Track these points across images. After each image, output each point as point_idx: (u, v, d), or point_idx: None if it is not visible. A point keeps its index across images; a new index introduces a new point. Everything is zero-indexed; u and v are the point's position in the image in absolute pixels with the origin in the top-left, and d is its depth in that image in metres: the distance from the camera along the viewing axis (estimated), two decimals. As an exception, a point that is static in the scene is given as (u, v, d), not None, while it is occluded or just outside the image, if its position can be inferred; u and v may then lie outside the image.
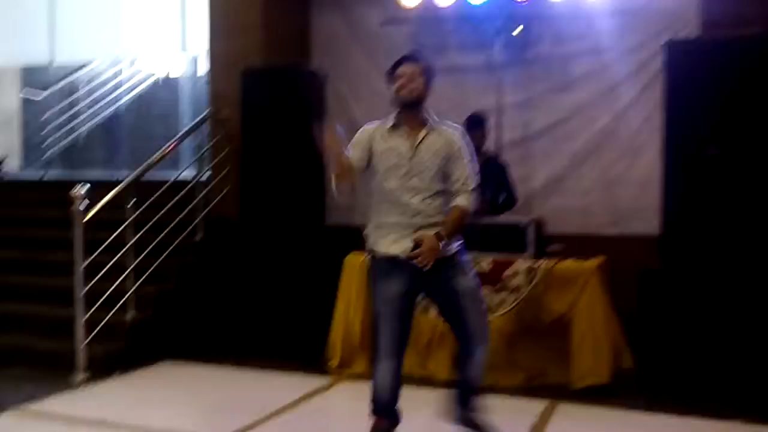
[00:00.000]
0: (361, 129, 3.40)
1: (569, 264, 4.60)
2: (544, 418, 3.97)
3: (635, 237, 5.51)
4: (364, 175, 3.36)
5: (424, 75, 3.31)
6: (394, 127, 3.31)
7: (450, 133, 3.33)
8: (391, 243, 3.27)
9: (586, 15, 5.68)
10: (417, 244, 3.16)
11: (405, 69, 3.30)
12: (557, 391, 4.41)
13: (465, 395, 3.39)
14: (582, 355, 4.43)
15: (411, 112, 3.29)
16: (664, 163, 4.69)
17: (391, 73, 3.33)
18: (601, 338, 4.42)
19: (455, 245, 3.31)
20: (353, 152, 3.30)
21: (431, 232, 3.18)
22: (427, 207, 3.24)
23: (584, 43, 5.79)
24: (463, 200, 3.27)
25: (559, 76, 5.89)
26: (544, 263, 4.59)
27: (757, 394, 4.11)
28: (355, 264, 4.94)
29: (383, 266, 3.33)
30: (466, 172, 3.30)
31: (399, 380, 3.35)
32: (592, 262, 4.59)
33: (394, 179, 3.25)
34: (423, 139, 3.26)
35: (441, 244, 3.16)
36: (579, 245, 4.96)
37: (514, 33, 5.73)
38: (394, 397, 3.36)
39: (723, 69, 4.37)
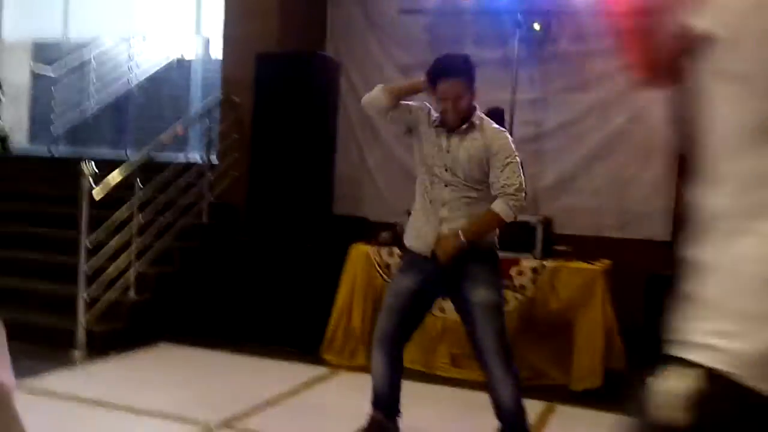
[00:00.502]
0: (418, 105, 3.27)
1: (576, 266, 4.55)
2: (542, 419, 3.93)
3: (644, 240, 5.45)
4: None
5: (470, 89, 3.10)
6: (439, 123, 3.17)
7: (492, 133, 3.13)
8: (415, 237, 3.23)
9: (606, 13, 5.60)
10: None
11: (448, 89, 3.06)
12: (556, 392, 4.37)
13: (502, 429, 3.18)
14: (582, 357, 4.39)
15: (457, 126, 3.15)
16: (678, 166, 4.61)
17: (432, 83, 3.11)
18: (603, 343, 4.38)
19: (483, 251, 3.14)
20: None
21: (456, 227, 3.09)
22: (454, 203, 3.11)
23: (603, 42, 5.71)
24: (499, 205, 3.05)
25: (575, 75, 5.82)
26: (550, 264, 4.55)
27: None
28: (359, 254, 4.90)
29: (406, 258, 3.33)
30: (505, 175, 3.06)
31: (391, 374, 3.28)
32: (599, 266, 4.54)
33: (428, 170, 3.16)
34: (462, 137, 3.11)
35: (458, 243, 3.05)
36: (587, 246, 4.92)
37: (535, 27, 5.65)
38: (388, 390, 3.30)
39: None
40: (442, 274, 3.14)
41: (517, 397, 3.13)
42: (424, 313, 3.45)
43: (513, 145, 3.18)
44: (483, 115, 3.21)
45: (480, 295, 3.09)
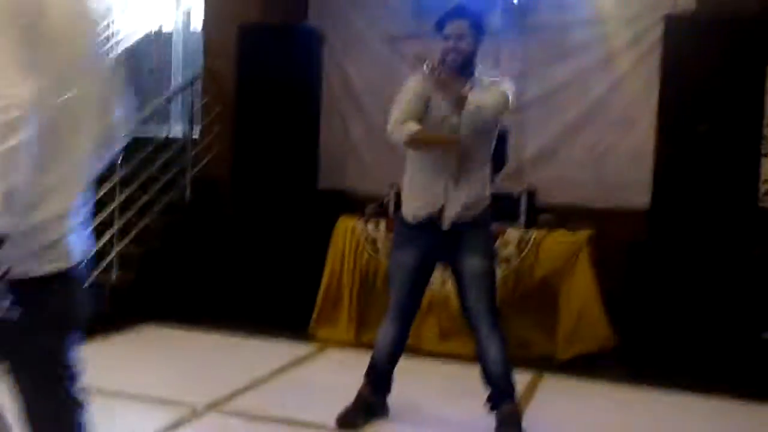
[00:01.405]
0: (412, 79, 3.18)
1: (560, 236, 4.60)
2: (529, 389, 3.99)
3: (624, 209, 5.51)
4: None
5: (474, 32, 3.07)
6: (438, 82, 3.08)
7: (497, 83, 3.14)
8: (418, 200, 3.21)
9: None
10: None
11: (454, 28, 3.03)
12: (543, 362, 4.44)
13: (491, 395, 3.23)
14: (568, 326, 4.46)
15: (457, 72, 3.09)
16: (656, 136, 4.67)
17: (439, 29, 3.06)
18: (588, 311, 4.45)
19: (478, 217, 3.19)
20: (415, 105, 3.11)
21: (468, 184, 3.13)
22: (467, 160, 3.13)
23: (583, 12, 5.71)
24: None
25: (555, 45, 5.81)
26: (534, 234, 4.59)
27: (738, 368, 4.17)
28: (346, 228, 4.90)
29: (401, 232, 3.32)
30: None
31: (396, 348, 3.35)
32: (583, 235, 4.59)
33: (439, 130, 3.13)
34: (467, 94, 3.05)
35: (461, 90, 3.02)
36: (570, 216, 4.97)
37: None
38: (388, 363, 3.36)
39: (718, 46, 4.36)
40: (439, 242, 3.18)
41: (504, 359, 3.17)
42: (426, 286, 3.48)
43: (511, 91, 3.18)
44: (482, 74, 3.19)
45: (474, 263, 3.15)
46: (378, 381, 3.37)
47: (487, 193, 3.25)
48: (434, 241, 3.19)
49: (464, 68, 3.10)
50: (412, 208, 3.24)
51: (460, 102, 3.01)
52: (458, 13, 3.08)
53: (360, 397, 3.35)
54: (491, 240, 3.37)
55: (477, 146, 3.15)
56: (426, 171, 3.19)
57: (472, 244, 3.16)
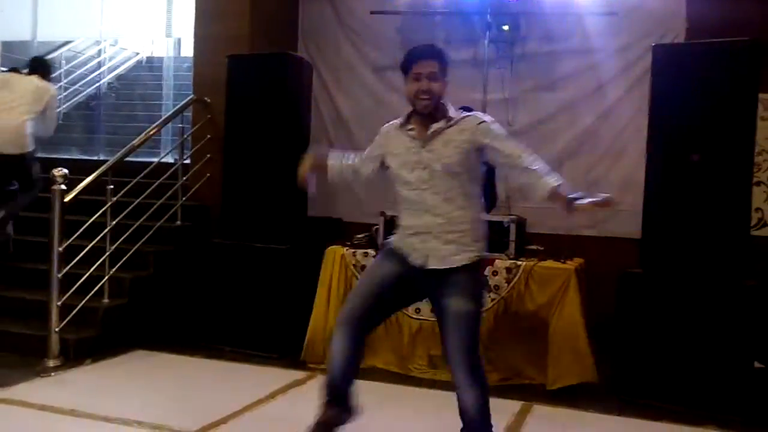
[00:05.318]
0: (378, 135, 3.20)
1: (549, 265, 4.60)
2: (519, 419, 3.97)
3: (614, 238, 5.52)
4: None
5: (444, 75, 2.96)
6: (405, 124, 3.04)
7: (473, 120, 2.99)
8: (411, 250, 3.04)
9: (574, 14, 5.67)
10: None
11: (423, 67, 2.91)
12: (533, 391, 4.42)
13: None
14: (558, 356, 4.43)
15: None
16: (647, 165, 4.69)
17: (406, 68, 2.95)
18: (573, 343, 4.42)
19: (466, 256, 2.97)
20: (366, 153, 3.24)
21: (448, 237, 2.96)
22: (438, 205, 2.95)
23: (572, 42, 5.78)
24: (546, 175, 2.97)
25: (545, 75, 5.87)
26: (524, 263, 4.59)
27: (729, 400, 4.14)
28: (335, 256, 4.90)
29: (388, 250, 3.14)
30: (514, 147, 2.96)
31: (350, 361, 3.07)
32: (571, 264, 4.59)
33: (405, 176, 3.00)
34: (441, 132, 2.95)
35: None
36: (559, 245, 4.98)
37: (504, 28, 5.70)
38: (343, 378, 3.09)
39: (707, 75, 4.38)
40: (426, 277, 3.01)
41: (480, 406, 3.03)
42: (398, 308, 3.36)
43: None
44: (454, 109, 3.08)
45: (454, 303, 2.94)
46: (335, 397, 3.17)
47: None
48: (422, 274, 3.07)
49: (436, 111, 3.00)
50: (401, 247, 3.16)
51: None
52: (427, 53, 2.97)
53: (320, 418, 3.20)
54: (478, 283, 3.11)
55: (449, 175, 3.03)
56: (404, 222, 3.18)
57: (455, 284, 2.97)
